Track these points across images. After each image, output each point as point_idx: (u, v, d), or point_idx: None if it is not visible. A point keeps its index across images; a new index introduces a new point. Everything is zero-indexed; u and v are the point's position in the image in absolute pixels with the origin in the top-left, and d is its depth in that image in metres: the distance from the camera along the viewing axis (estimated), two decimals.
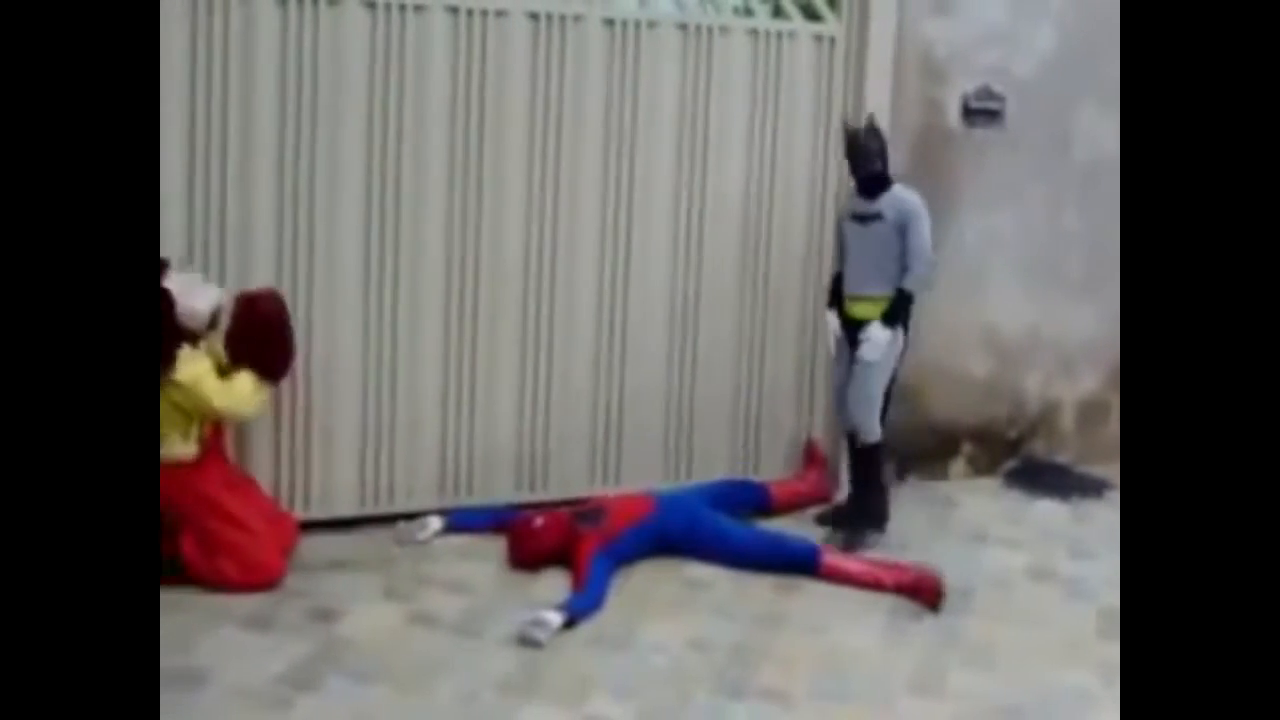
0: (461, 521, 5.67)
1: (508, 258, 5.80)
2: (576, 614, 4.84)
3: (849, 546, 5.64)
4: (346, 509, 5.66)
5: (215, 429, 5.10)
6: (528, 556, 5.32)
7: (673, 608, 5.06)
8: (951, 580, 5.30)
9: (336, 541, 5.47)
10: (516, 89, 5.71)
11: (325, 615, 4.82)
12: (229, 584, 4.91)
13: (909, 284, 5.66)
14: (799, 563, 5.40)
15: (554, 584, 5.17)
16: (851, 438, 5.88)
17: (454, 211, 5.67)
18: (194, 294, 4.95)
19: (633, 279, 6.07)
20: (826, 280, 6.22)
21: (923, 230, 5.63)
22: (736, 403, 6.37)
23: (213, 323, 5.01)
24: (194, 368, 4.89)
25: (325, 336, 5.53)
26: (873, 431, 5.78)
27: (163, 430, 4.92)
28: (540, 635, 4.67)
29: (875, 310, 5.69)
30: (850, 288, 5.82)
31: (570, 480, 6.05)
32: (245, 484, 5.25)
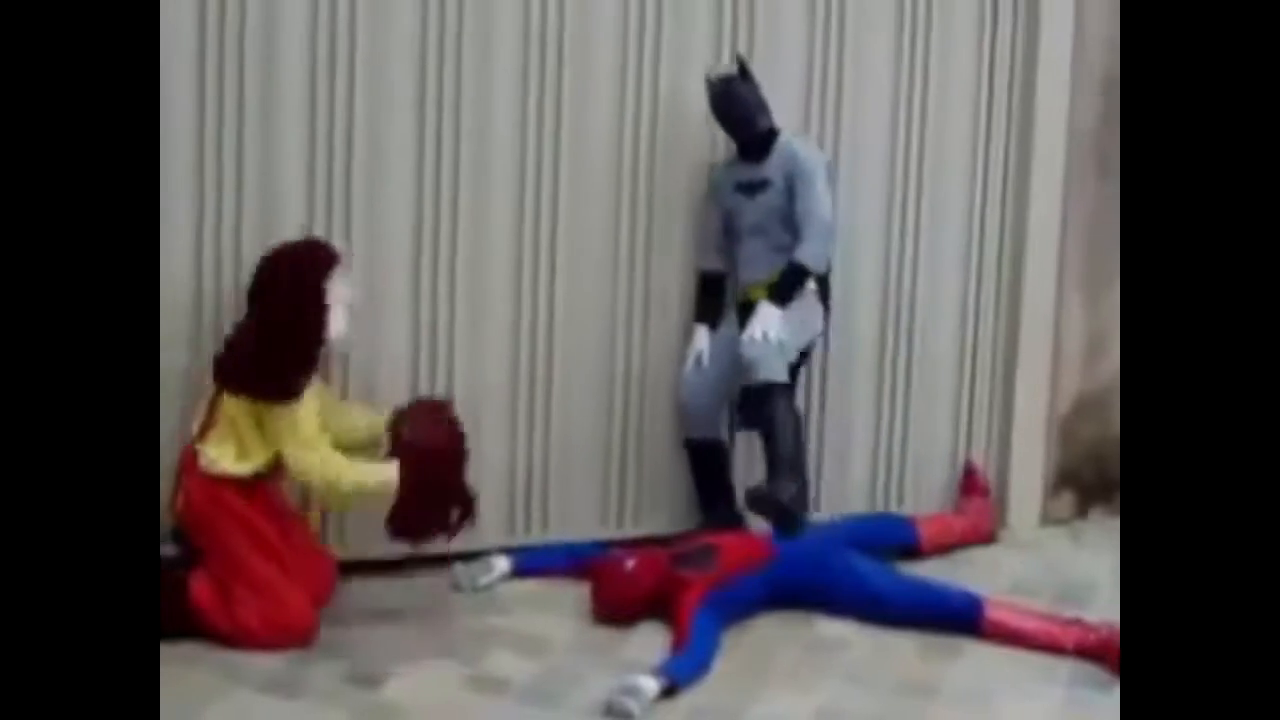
0: (534, 563, 5.67)
1: (591, 236, 5.81)
2: (677, 679, 4.79)
3: (777, 507, 5.43)
4: (393, 547, 5.55)
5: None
6: (617, 607, 5.30)
7: (797, 673, 5.02)
8: None
9: (381, 587, 5.49)
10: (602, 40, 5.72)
11: (365, 679, 4.79)
12: (250, 638, 4.91)
13: (803, 256, 5.55)
14: (955, 617, 5.32)
15: (649, 642, 5.14)
16: (701, 446, 5.82)
17: (525, 181, 5.70)
18: (348, 312, 5.06)
19: None
20: (992, 259, 6.18)
21: (815, 187, 5.52)
22: (876, 419, 6.33)
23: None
24: (322, 455, 4.96)
25: (367, 338, 5.49)
26: (775, 364, 5.50)
27: (226, 436, 4.96)
28: (632, 706, 4.62)
29: None
30: (746, 274, 5.72)
31: (667, 514, 6.01)
32: (291, 513, 5.24)
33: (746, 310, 5.66)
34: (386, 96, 5.46)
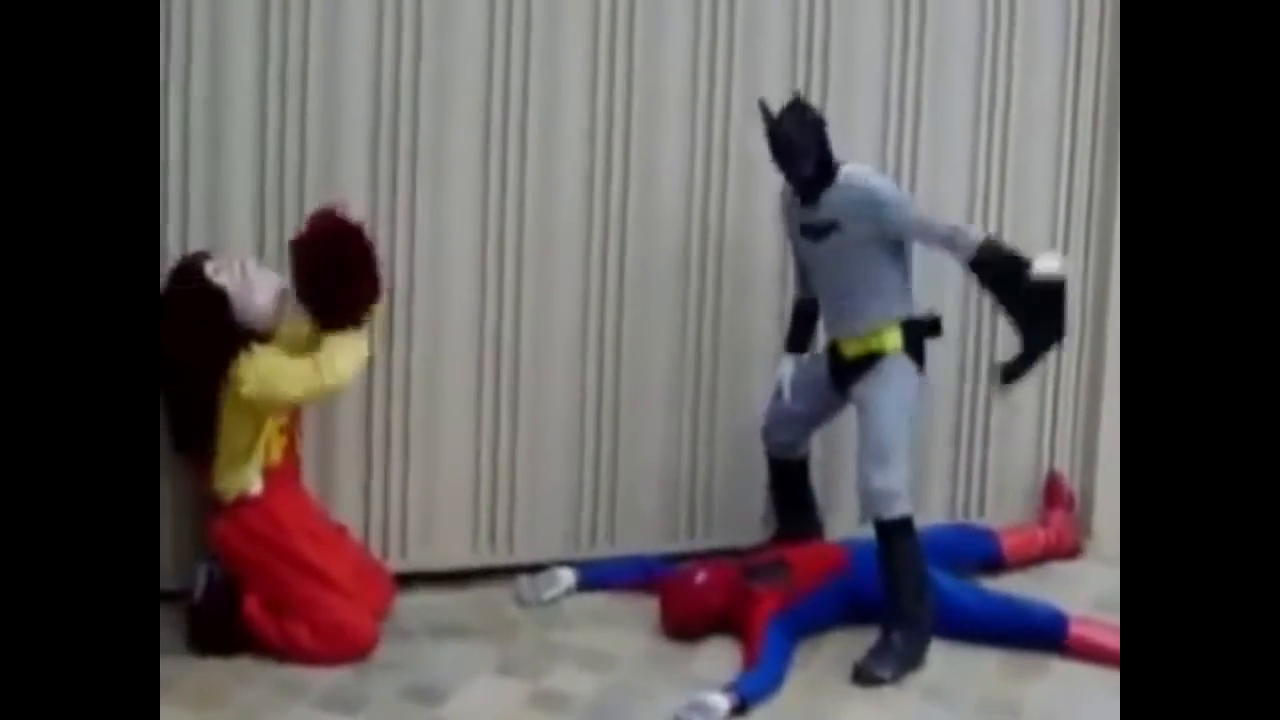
0: (600, 576, 5.67)
1: (662, 241, 5.81)
2: (748, 697, 4.80)
3: (871, 677, 5.12)
4: (453, 559, 5.68)
5: (289, 451, 5.16)
6: (685, 621, 5.30)
7: (872, 691, 5.02)
8: None
9: (440, 600, 5.51)
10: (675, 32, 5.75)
11: (425, 694, 4.83)
12: (306, 654, 4.96)
13: (984, 253, 5.10)
14: (1039, 633, 5.31)
15: (718, 658, 5.15)
16: (779, 462, 5.70)
17: (594, 187, 5.71)
18: (251, 287, 5.03)
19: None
20: (1077, 259, 6.14)
21: (918, 219, 5.25)
22: (956, 427, 6.30)
23: (281, 315, 5.11)
24: (259, 366, 4.94)
25: (429, 336, 5.54)
26: (893, 500, 5.19)
27: (224, 458, 5.03)
28: None
29: (869, 346, 5.28)
30: (828, 324, 5.47)
31: (739, 525, 5.99)
32: (331, 529, 5.30)
33: (836, 357, 5.42)
34: (450, 110, 5.51)
